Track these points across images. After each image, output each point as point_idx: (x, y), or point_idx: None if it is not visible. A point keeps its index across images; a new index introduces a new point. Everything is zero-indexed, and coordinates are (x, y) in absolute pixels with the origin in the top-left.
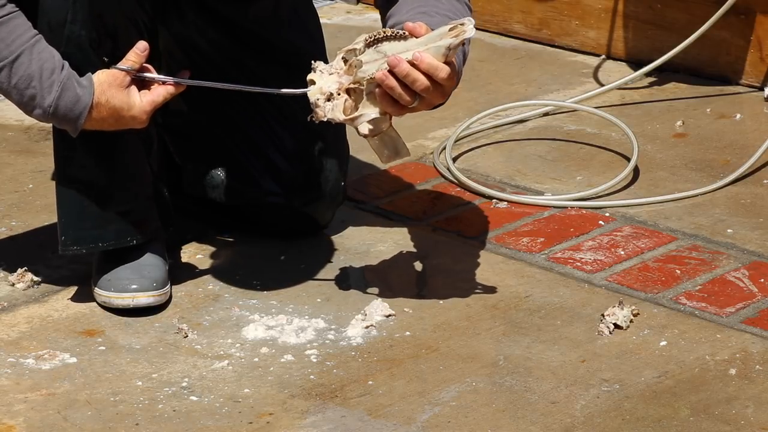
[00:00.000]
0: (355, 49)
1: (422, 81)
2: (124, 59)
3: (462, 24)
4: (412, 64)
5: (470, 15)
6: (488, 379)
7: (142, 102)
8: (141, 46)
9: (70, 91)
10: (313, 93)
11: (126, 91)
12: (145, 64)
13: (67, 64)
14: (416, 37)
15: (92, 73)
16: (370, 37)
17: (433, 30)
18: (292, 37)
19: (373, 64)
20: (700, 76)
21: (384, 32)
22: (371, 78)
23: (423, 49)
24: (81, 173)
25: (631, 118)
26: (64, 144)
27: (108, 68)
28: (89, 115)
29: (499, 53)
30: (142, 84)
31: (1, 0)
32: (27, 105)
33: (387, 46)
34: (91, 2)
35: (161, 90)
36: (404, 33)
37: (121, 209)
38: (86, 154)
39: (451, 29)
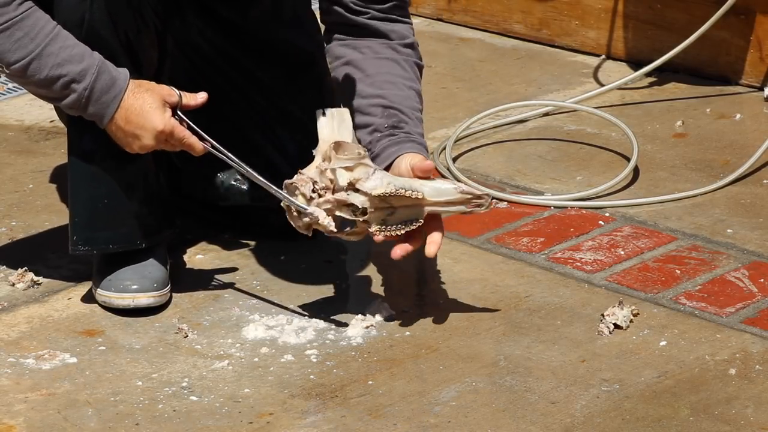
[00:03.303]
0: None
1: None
2: (183, 91)
3: (480, 198)
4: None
5: (420, 72)
6: (488, 379)
7: (169, 119)
8: (203, 96)
9: (105, 73)
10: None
11: (164, 106)
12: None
13: (95, 52)
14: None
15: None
16: (387, 194)
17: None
18: (292, 38)
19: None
20: (700, 76)
21: (397, 191)
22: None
23: (434, 208)
24: (99, 174)
25: (631, 118)
26: (83, 143)
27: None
28: (120, 103)
29: (499, 53)
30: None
31: None
32: (59, 94)
33: (396, 199)
34: (108, 3)
35: (188, 134)
36: (418, 195)
37: (133, 212)
38: (105, 157)
39: (471, 197)
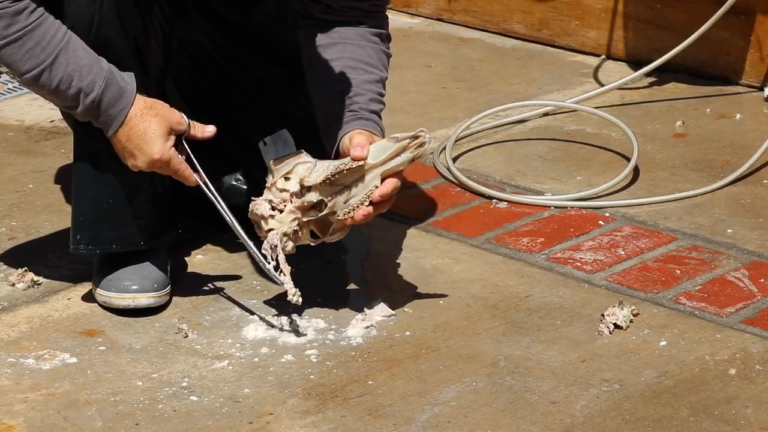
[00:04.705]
0: (307, 187)
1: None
2: (191, 121)
3: (417, 137)
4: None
5: (388, 61)
6: (488, 379)
7: (168, 150)
8: (211, 130)
9: (113, 85)
10: (272, 238)
11: (169, 134)
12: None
13: (103, 60)
14: (362, 159)
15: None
16: (329, 177)
17: (377, 138)
18: (295, 38)
19: (336, 198)
20: (700, 76)
21: (337, 169)
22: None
23: (382, 169)
24: (104, 175)
25: (631, 118)
26: (89, 144)
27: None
28: (126, 119)
29: (499, 53)
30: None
31: (29, 4)
32: (70, 103)
33: (343, 177)
34: (117, 5)
35: (185, 166)
36: (356, 164)
37: (138, 213)
38: (111, 157)
39: (407, 140)
